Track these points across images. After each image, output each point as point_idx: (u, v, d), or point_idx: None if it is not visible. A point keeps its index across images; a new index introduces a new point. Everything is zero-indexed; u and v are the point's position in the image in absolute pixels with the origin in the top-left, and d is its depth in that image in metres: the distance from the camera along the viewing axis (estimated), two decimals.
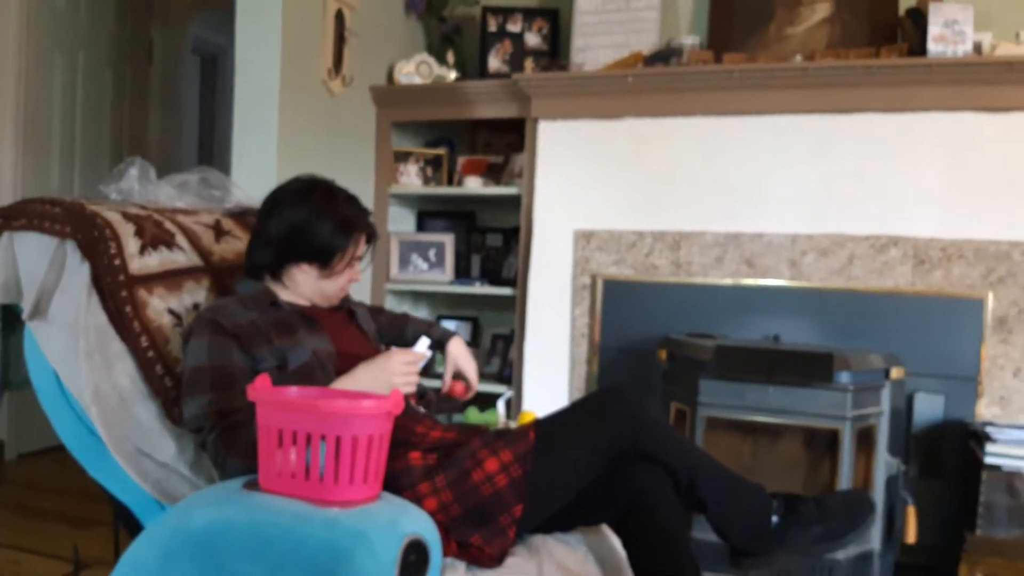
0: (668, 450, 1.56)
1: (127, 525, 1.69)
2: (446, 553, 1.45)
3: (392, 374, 1.57)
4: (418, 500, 1.48)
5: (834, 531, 1.58)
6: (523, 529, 1.53)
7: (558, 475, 1.53)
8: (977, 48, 2.60)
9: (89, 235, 1.63)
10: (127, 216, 1.73)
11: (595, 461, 1.54)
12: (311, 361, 1.62)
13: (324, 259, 1.66)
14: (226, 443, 1.46)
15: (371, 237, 1.75)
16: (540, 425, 1.57)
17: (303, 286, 1.71)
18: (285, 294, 1.72)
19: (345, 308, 1.83)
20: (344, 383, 1.58)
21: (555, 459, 1.53)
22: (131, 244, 1.68)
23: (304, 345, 1.62)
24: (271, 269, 1.71)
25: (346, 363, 1.65)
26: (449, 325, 3.56)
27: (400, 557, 1.23)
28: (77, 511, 2.88)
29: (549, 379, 3.00)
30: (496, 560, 1.49)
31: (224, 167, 2.51)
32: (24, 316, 1.67)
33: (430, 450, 1.56)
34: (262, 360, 1.58)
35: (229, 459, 1.45)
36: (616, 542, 1.71)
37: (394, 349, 1.70)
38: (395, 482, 1.49)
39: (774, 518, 1.58)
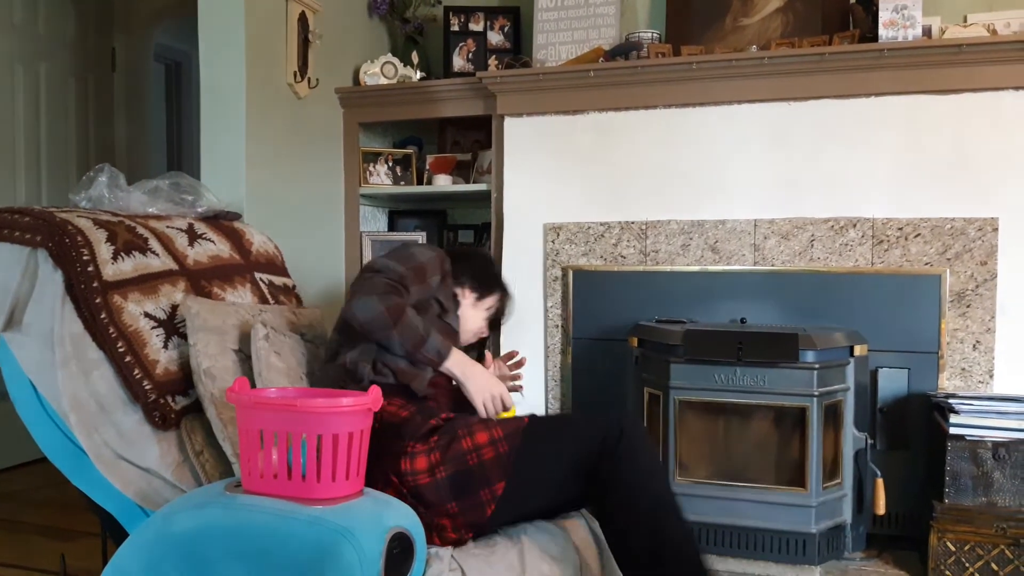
0: (633, 498, 1.53)
1: (113, 534, 1.70)
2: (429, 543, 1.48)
3: (495, 388, 1.78)
4: (412, 456, 1.53)
5: None
6: (503, 512, 1.56)
7: (543, 467, 1.56)
8: (926, 32, 2.67)
9: (61, 243, 1.63)
10: (98, 223, 1.73)
11: (576, 467, 1.56)
12: (449, 331, 1.89)
13: (484, 289, 2.02)
14: (384, 299, 1.68)
15: (497, 324, 2.13)
16: (536, 416, 1.63)
17: (471, 324, 2.00)
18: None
19: None
20: (465, 360, 1.78)
21: (543, 449, 1.56)
22: (104, 250, 1.68)
23: (453, 314, 1.93)
24: (472, 285, 2.01)
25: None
26: None
27: (385, 550, 1.26)
28: (61, 523, 2.86)
29: (525, 370, 3.02)
30: (468, 530, 1.54)
31: (193, 173, 2.51)
32: None
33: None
34: (431, 299, 1.86)
35: (379, 304, 1.66)
36: (595, 525, 1.75)
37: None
38: (399, 429, 1.58)
39: None
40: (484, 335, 2.08)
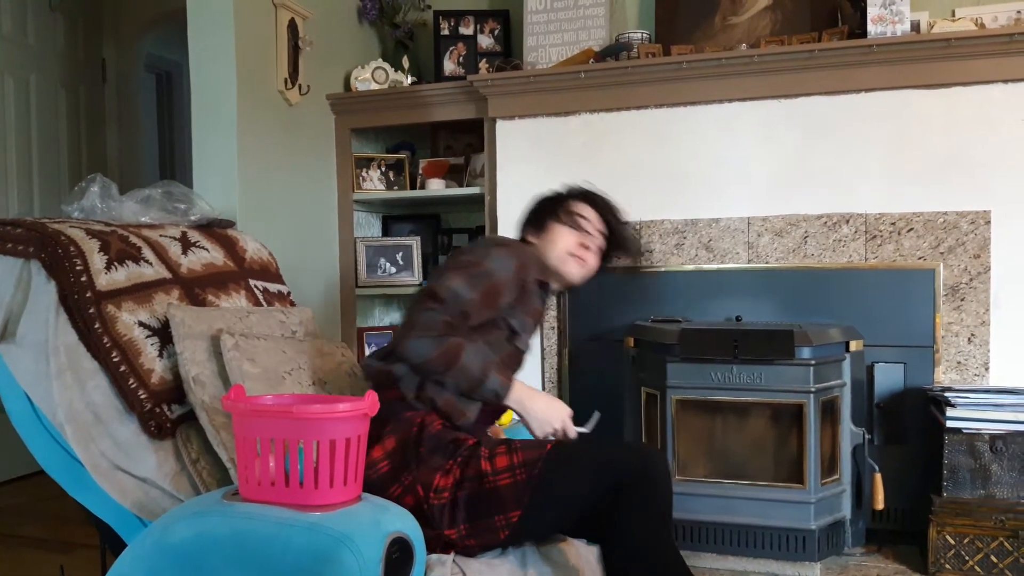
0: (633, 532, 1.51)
1: (112, 545, 1.69)
2: (432, 549, 1.47)
3: (556, 421, 1.70)
4: (446, 473, 1.53)
5: None
6: (516, 538, 1.55)
7: (560, 499, 1.53)
8: (915, 27, 2.68)
9: (54, 253, 1.62)
10: (91, 233, 1.72)
11: (594, 502, 1.53)
12: (515, 354, 1.82)
13: (543, 221, 1.92)
14: (439, 343, 1.61)
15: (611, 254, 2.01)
16: (559, 444, 1.60)
17: (558, 244, 1.89)
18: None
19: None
20: (525, 394, 1.71)
21: (562, 481, 1.53)
22: (97, 260, 1.67)
23: (523, 336, 1.83)
24: (536, 224, 1.94)
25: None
26: None
27: (384, 555, 1.25)
28: (59, 535, 2.85)
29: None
30: (478, 549, 1.52)
31: (185, 182, 2.50)
32: None
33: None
34: (500, 320, 1.75)
35: (433, 348, 1.61)
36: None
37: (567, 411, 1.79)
38: (447, 445, 1.57)
39: None
40: (575, 252, 1.91)
